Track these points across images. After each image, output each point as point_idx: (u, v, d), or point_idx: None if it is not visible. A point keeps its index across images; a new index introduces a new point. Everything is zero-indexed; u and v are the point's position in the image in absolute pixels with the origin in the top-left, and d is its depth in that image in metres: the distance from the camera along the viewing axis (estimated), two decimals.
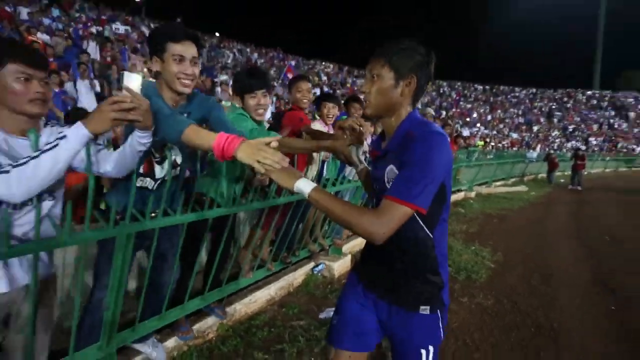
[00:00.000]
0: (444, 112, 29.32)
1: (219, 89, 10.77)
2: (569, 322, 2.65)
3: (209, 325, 2.20)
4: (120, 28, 12.94)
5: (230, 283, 2.23)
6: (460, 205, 7.17)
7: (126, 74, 1.21)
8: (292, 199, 2.37)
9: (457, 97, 35.55)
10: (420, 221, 1.09)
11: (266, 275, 2.64)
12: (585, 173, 17.93)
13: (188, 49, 1.41)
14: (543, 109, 37.24)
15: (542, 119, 34.77)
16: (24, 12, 12.44)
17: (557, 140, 29.28)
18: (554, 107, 37.54)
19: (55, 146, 1.00)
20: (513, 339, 2.37)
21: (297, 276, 3.01)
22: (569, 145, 27.66)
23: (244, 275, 2.35)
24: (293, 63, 22.35)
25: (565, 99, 39.21)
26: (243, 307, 2.44)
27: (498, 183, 11.32)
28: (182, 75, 1.40)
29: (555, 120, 34.78)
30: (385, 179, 1.10)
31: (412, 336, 1.15)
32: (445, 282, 1.15)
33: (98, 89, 7.00)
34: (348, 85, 26.83)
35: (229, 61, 21.63)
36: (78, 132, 1.03)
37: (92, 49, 11.19)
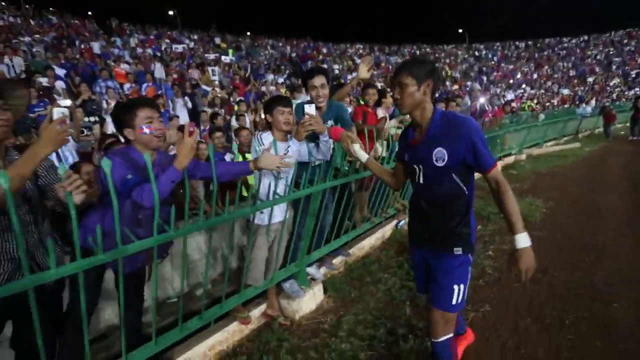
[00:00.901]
0: (485, 78, 28.25)
1: (272, 88, 11.87)
2: (613, 240, 3.36)
3: (339, 262, 3.26)
4: (179, 47, 14.40)
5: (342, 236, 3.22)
6: (512, 168, 7.66)
7: (306, 106, 2.19)
8: None
9: (498, 59, 33.85)
10: (458, 180, 1.44)
11: (368, 228, 3.64)
12: None
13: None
14: (598, 57, 34.16)
15: (597, 68, 32.02)
16: (96, 47, 14.18)
17: (616, 90, 26.98)
18: (611, 52, 34.21)
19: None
20: (566, 263, 3.10)
21: (386, 230, 3.99)
22: (631, 93, 25.40)
23: (358, 226, 3.38)
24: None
25: (626, 41, 35.50)
26: (356, 251, 3.48)
27: (550, 143, 11.35)
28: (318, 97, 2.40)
29: (614, 67, 31.83)
30: (434, 159, 1.44)
31: (447, 273, 1.49)
32: (473, 229, 1.51)
33: (190, 105, 8.35)
34: (383, 64, 26.73)
35: (267, 58, 22.61)
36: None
37: (159, 69, 12.81)
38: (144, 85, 8.93)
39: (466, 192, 1.46)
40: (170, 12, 30.48)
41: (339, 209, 2.81)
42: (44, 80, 6.62)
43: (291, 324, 2.45)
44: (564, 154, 9.43)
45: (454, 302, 1.48)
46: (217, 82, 12.01)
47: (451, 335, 1.53)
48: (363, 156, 1.83)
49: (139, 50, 15.64)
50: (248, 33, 27.40)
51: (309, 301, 2.60)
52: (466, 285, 1.50)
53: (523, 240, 1.36)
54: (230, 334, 2.23)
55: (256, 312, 2.43)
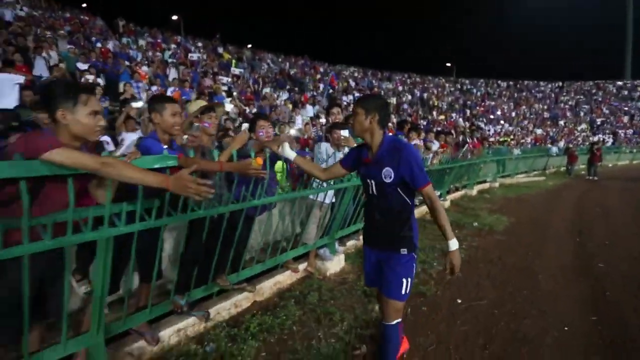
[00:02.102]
0: (468, 111, 30.28)
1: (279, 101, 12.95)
2: (550, 248, 4.57)
3: (352, 244, 4.28)
4: (194, 56, 15.33)
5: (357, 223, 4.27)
6: (486, 192, 8.99)
7: (342, 132, 3.26)
8: None
9: (481, 95, 36.30)
10: (403, 194, 1.73)
11: None
12: (610, 165, 18.98)
13: None
14: (570, 103, 37.06)
15: (568, 113, 34.79)
16: (110, 45, 14.83)
17: (582, 135, 29.52)
18: (581, 100, 37.23)
19: None
20: (514, 255, 4.29)
21: None
22: (595, 139, 27.92)
23: None
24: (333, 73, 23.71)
25: (594, 91, 38.69)
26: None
27: (521, 175, 12.92)
28: None
29: (582, 113, 34.67)
30: (383, 177, 1.70)
31: (396, 269, 1.76)
32: (416, 233, 1.79)
33: None
34: (376, 89, 28.33)
35: (266, 72, 23.56)
36: None
37: (174, 73, 13.69)
38: (171, 89, 9.81)
39: (409, 203, 1.78)
40: (174, 17, 31.33)
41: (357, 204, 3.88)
42: (90, 78, 7.44)
43: (323, 278, 3.46)
44: (531, 185, 10.92)
45: (402, 292, 1.76)
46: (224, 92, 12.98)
47: (400, 320, 1.83)
48: (290, 154, 2.07)
49: (149, 53, 16.26)
50: (249, 45, 27.93)
51: (335, 264, 3.62)
52: (412, 279, 1.79)
53: (453, 244, 1.69)
54: (286, 277, 3.23)
55: (301, 267, 3.43)
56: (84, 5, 20.80)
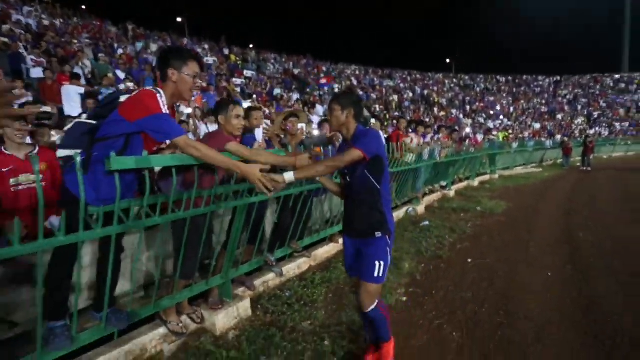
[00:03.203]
0: (468, 107, 31.01)
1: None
2: (541, 225, 5.46)
3: None
4: (209, 60, 16.14)
5: None
6: (487, 183, 9.89)
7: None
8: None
9: (481, 90, 37.00)
10: (371, 178, 1.83)
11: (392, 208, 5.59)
12: (606, 157, 19.86)
13: None
14: (568, 97, 37.63)
15: (566, 107, 35.40)
16: (130, 50, 15.55)
17: (579, 128, 30.22)
18: (579, 93, 37.79)
19: None
20: (511, 230, 5.17)
21: (401, 213, 5.94)
22: (592, 132, 28.60)
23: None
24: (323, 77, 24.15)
25: (592, 85, 39.22)
26: None
27: (519, 167, 13.82)
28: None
29: (580, 107, 35.29)
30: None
31: (370, 252, 1.85)
32: (388, 217, 1.86)
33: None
34: (377, 87, 29.07)
35: (272, 72, 24.16)
36: None
37: None
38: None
39: (378, 188, 1.86)
40: (179, 19, 31.88)
41: None
42: (130, 85, 8.30)
43: None
44: (528, 176, 11.81)
45: (375, 274, 1.82)
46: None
47: (377, 302, 1.89)
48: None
49: None
50: (251, 46, 28.10)
51: None
52: (386, 263, 1.85)
53: (289, 176, 1.77)
54: (331, 248, 4.12)
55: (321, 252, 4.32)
56: (83, 7, 21.41)
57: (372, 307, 1.87)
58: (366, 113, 4.01)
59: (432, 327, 2.56)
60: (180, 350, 2.39)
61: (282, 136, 3.36)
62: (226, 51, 23.53)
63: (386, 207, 1.89)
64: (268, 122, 6.17)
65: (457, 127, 11.77)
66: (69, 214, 1.60)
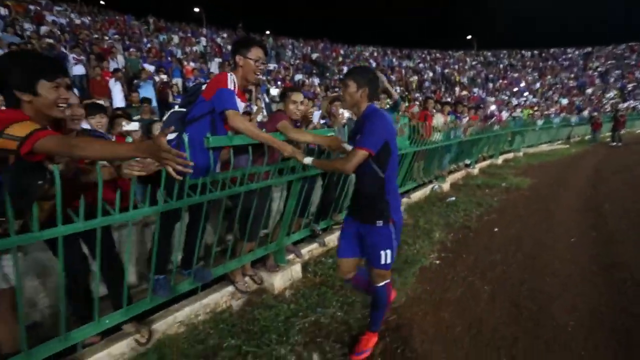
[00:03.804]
0: (491, 85, 30.12)
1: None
2: (567, 197, 5.61)
3: (406, 200, 5.49)
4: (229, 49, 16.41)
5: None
6: (511, 161, 9.92)
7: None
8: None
9: (504, 67, 35.70)
10: (377, 169, 1.79)
11: (417, 185, 5.86)
12: (638, 131, 19.07)
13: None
14: (600, 69, 35.64)
15: (597, 81, 33.59)
16: (155, 43, 15.97)
17: (610, 102, 28.79)
18: (612, 65, 35.73)
19: None
20: (537, 202, 5.36)
21: (427, 190, 6.21)
22: (624, 105, 27.18)
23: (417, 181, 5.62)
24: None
25: (627, 54, 36.97)
26: (413, 197, 5.69)
27: (544, 145, 13.60)
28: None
29: (612, 79, 33.42)
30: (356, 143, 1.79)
31: (374, 241, 1.85)
32: (392, 206, 1.83)
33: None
34: (396, 68, 28.64)
35: (290, 58, 24.24)
36: None
37: (215, 66, 14.84)
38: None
39: (382, 176, 1.80)
40: (196, 9, 32.15)
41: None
42: (164, 77, 8.80)
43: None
44: (554, 152, 11.69)
45: (382, 262, 1.85)
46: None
47: (387, 281, 1.95)
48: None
49: (187, 48, 17.20)
50: (267, 32, 28.19)
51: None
52: (393, 249, 1.86)
53: (308, 159, 2.01)
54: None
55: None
56: (102, 2, 22.00)
57: (384, 283, 1.94)
58: (396, 96, 4.10)
59: (465, 282, 2.90)
60: (246, 305, 2.84)
61: (326, 119, 3.70)
62: None
63: (390, 194, 1.86)
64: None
65: (482, 105, 11.71)
66: (171, 186, 2.02)
